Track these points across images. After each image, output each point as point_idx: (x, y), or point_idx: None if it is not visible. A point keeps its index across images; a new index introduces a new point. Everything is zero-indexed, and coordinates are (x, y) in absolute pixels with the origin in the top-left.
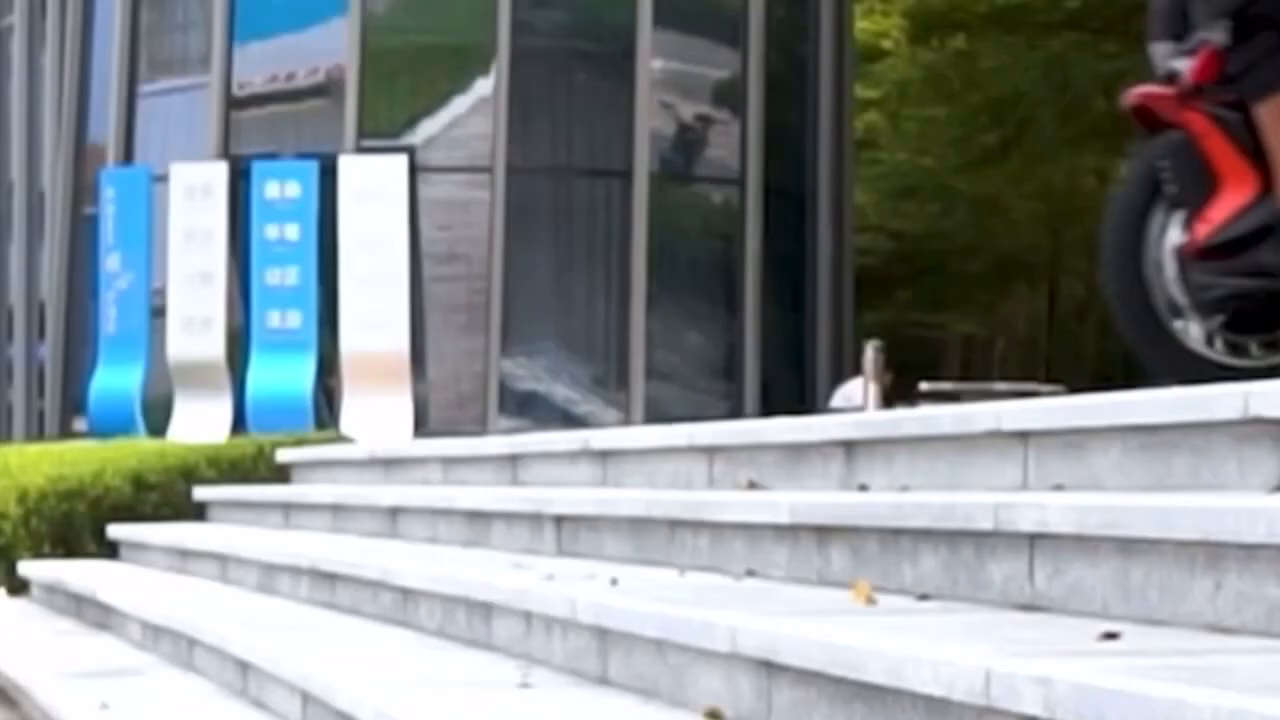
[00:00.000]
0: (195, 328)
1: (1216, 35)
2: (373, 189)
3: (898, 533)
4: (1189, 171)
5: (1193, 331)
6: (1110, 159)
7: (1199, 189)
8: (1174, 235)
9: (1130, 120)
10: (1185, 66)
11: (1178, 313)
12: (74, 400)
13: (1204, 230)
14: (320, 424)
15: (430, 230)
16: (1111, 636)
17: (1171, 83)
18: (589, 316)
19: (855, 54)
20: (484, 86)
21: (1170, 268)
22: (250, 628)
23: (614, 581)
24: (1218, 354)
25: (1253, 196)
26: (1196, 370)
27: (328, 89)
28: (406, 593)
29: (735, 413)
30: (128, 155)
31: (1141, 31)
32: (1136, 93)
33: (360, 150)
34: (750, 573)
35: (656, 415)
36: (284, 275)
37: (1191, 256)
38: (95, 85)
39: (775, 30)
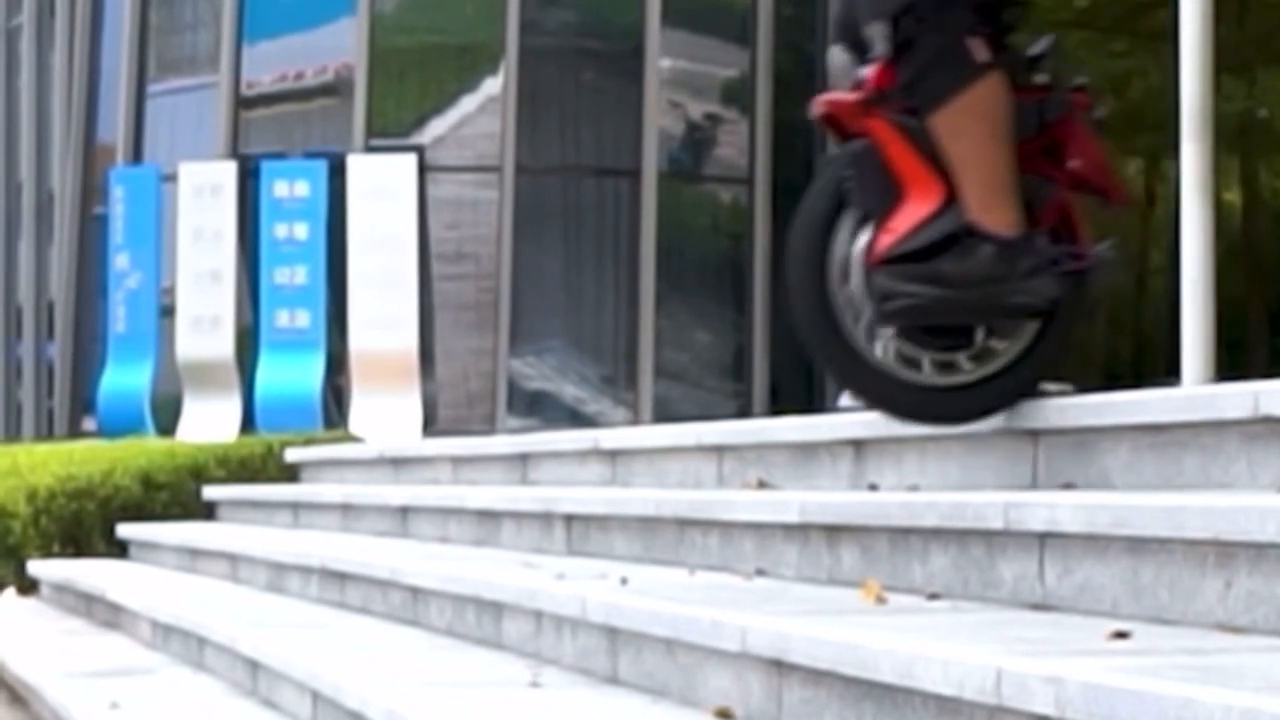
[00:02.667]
0: (204, 327)
1: (881, 45)
2: (381, 188)
3: (908, 532)
4: (873, 180)
5: (877, 346)
6: (1119, 157)
7: (883, 198)
8: (859, 246)
9: (1131, 118)
10: (866, 73)
11: (863, 327)
12: (83, 399)
13: (887, 240)
14: (329, 423)
15: (439, 229)
16: (1122, 636)
17: (858, 89)
18: (598, 315)
19: None
20: (492, 86)
21: (856, 279)
22: (260, 627)
23: (624, 581)
24: (898, 368)
25: (937, 206)
26: (883, 387)
27: (336, 88)
28: (416, 592)
29: (744, 412)
30: (137, 155)
31: (1150, 31)
32: (822, 100)
33: (369, 150)
34: (760, 572)
35: (665, 414)
36: (293, 274)
37: (875, 266)
38: (104, 85)
39: (784, 29)
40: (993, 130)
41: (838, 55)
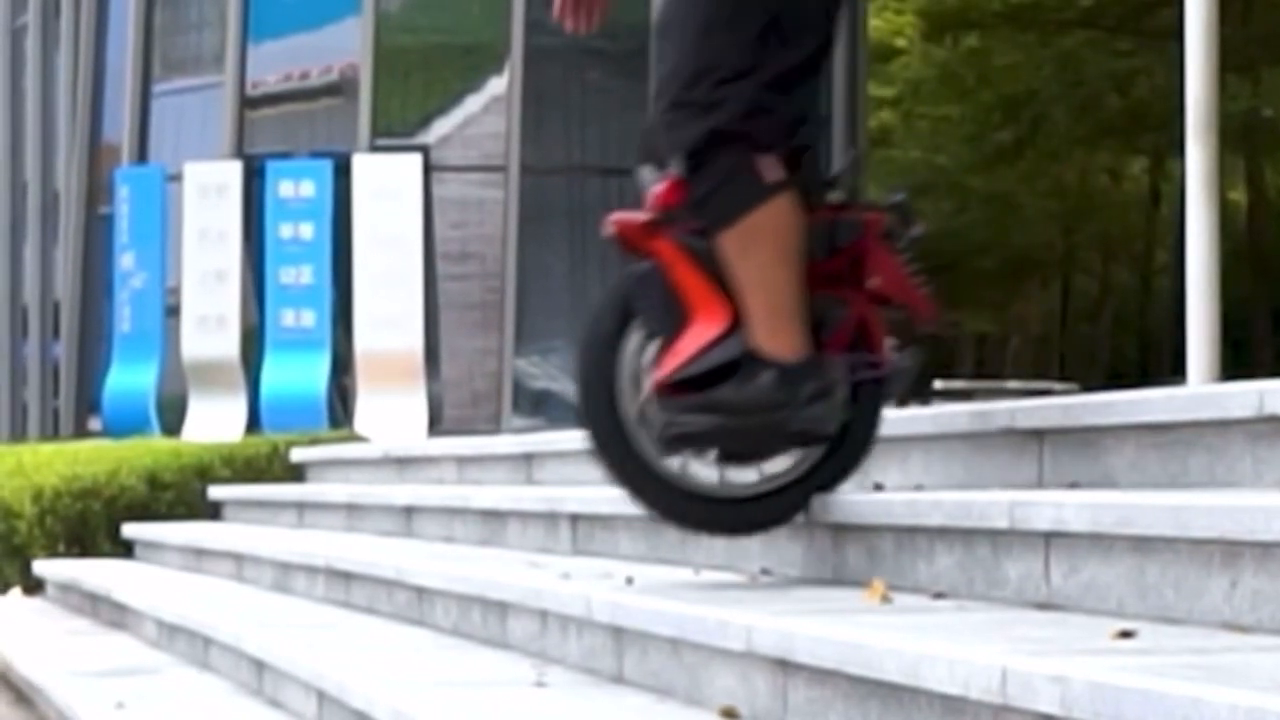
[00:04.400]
0: (209, 327)
1: (675, 162)
2: (387, 188)
3: (913, 531)
4: (658, 302)
5: (669, 465)
6: (1124, 157)
7: (669, 320)
8: (648, 359)
9: (1136, 117)
10: (655, 190)
11: (654, 445)
12: (88, 399)
13: (672, 363)
14: (335, 423)
15: (444, 229)
16: (1127, 635)
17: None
18: None
19: (868, 52)
20: (497, 85)
21: (645, 392)
22: (265, 627)
23: (629, 580)
24: (686, 481)
25: (723, 330)
26: (673, 500)
27: (341, 88)
28: (422, 592)
29: None
30: (142, 154)
31: (1155, 30)
32: (610, 219)
33: (374, 149)
34: (765, 571)
35: None
36: (298, 274)
37: (659, 390)
38: (109, 84)
39: None
40: (781, 252)
41: (646, 174)
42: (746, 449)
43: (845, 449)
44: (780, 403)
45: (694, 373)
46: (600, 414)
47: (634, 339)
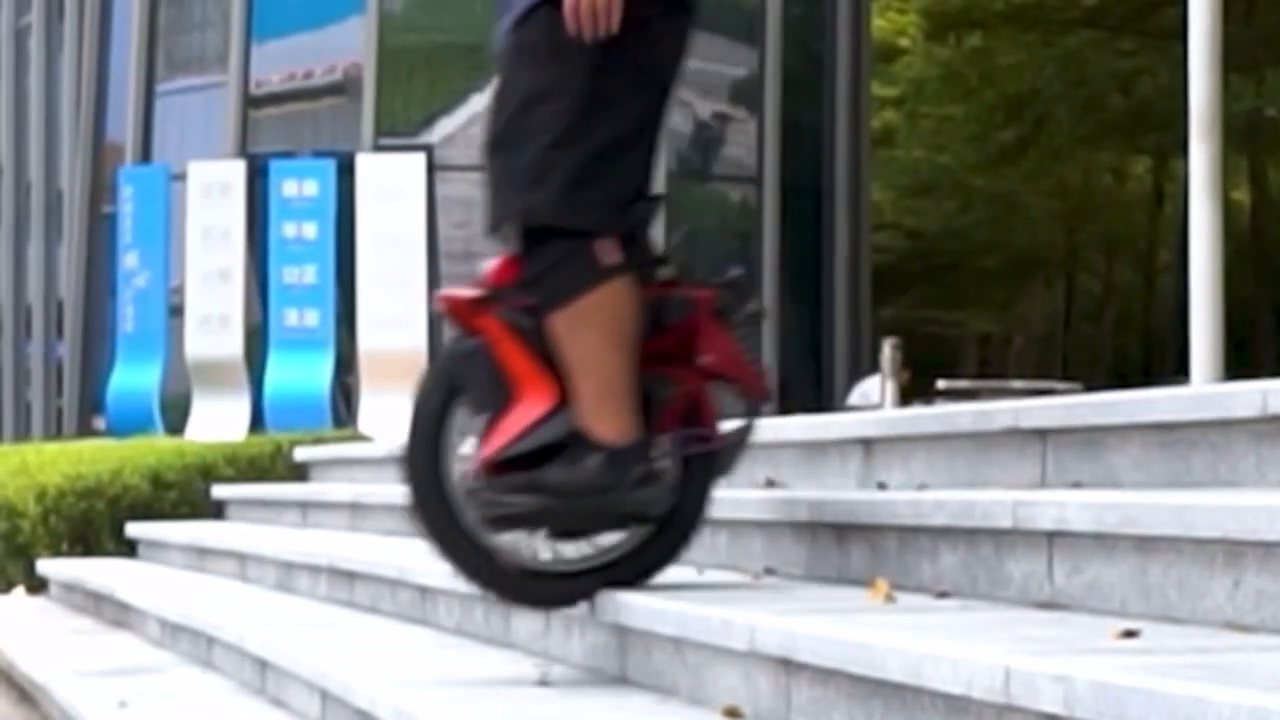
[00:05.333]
0: (213, 326)
1: (511, 239)
2: (390, 187)
3: (916, 530)
4: (484, 380)
5: (501, 545)
6: (1127, 156)
7: (494, 399)
8: (472, 444)
9: (1139, 117)
10: (487, 267)
11: (479, 523)
12: (92, 399)
13: (497, 442)
14: (338, 422)
15: (448, 228)
16: (1130, 634)
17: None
18: None
19: (872, 51)
20: None
21: (471, 477)
22: (269, 626)
23: (632, 580)
24: (510, 554)
25: (548, 409)
26: (496, 574)
27: (345, 87)
28: (425, 591)
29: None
30: (145, 154)
31: (1158, 29)
32: (439, 295)
33: (378, 149)
34: (769, 571)
35: None
36: (302, 274)
37: (484, 470)
38: (113, 84)
39: (792, 28)
40: (613, 336)
41: (498, 243)
42: (573, 529)
43: (675, 526)
44: (607, 486)
45: (519, 452)
46: (426, 491)
47: (460, 416)
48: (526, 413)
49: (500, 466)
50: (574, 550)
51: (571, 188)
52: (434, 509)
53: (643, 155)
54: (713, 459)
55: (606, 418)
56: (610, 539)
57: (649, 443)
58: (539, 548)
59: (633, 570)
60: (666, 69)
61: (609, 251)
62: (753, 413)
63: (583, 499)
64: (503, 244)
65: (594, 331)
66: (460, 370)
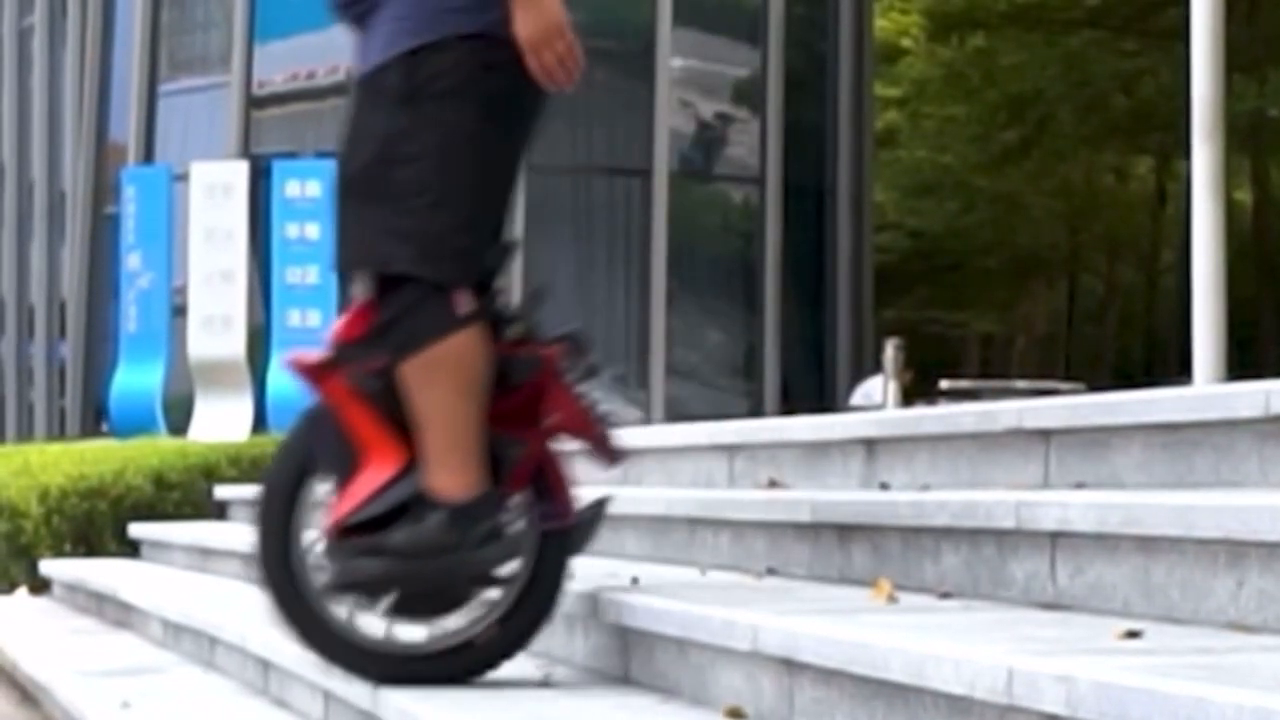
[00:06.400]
0: (216, 326)
1: (361, 288)
2: None
3: (919, 531)
4: (332, 444)
5: (350, 616)
6: (1130, 157)
7: (343, 463)
8: (323, 510)
9: (1142, 117)
10: (335, 325)
11: (326, 590)
12: (95, 399)
13: (345, 507)
14: None
15: None
16: (1133, 635)
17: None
18: (609, 315)
19: (875, 52)
20: None
21: (321, 542)
22: (272, 626)
23: (635, 580)
24: (361, 632)
25: (396, 471)
26: (344, 651)
27: (348, 88)
28: None
29: (755, 411)
30: (148, 154)
31: (1161, 30)
32: (287, 358)
33: None
34: (771, 571)
35: (677, 413)
36: (304, 274)
37: (333, 535)
38: (116, 84)
39: (795, 28)
40: (464, 387)
41: (355, 289)
42: (420, 593)
43: (528, 606)
44: (451, 544)
45: (367, 516)
46: (272, 559)
47: (313, 481)
48: (374, 476)
49: (350, 531)
50: (418, 634)
51: (427, 238)
52: (281, 580)
53: (498, 203)
54: (566, 537)
55: (451, 472)
56: (455, 622)
57: (495, 501)
58: (382, 627)
59: (483, 653)
60: (520, 116)
61: (464, 300)
62: (602, 502)
63: (427, 559)
64: (356, 284)
65: (444, 381)
66: (309, 435)
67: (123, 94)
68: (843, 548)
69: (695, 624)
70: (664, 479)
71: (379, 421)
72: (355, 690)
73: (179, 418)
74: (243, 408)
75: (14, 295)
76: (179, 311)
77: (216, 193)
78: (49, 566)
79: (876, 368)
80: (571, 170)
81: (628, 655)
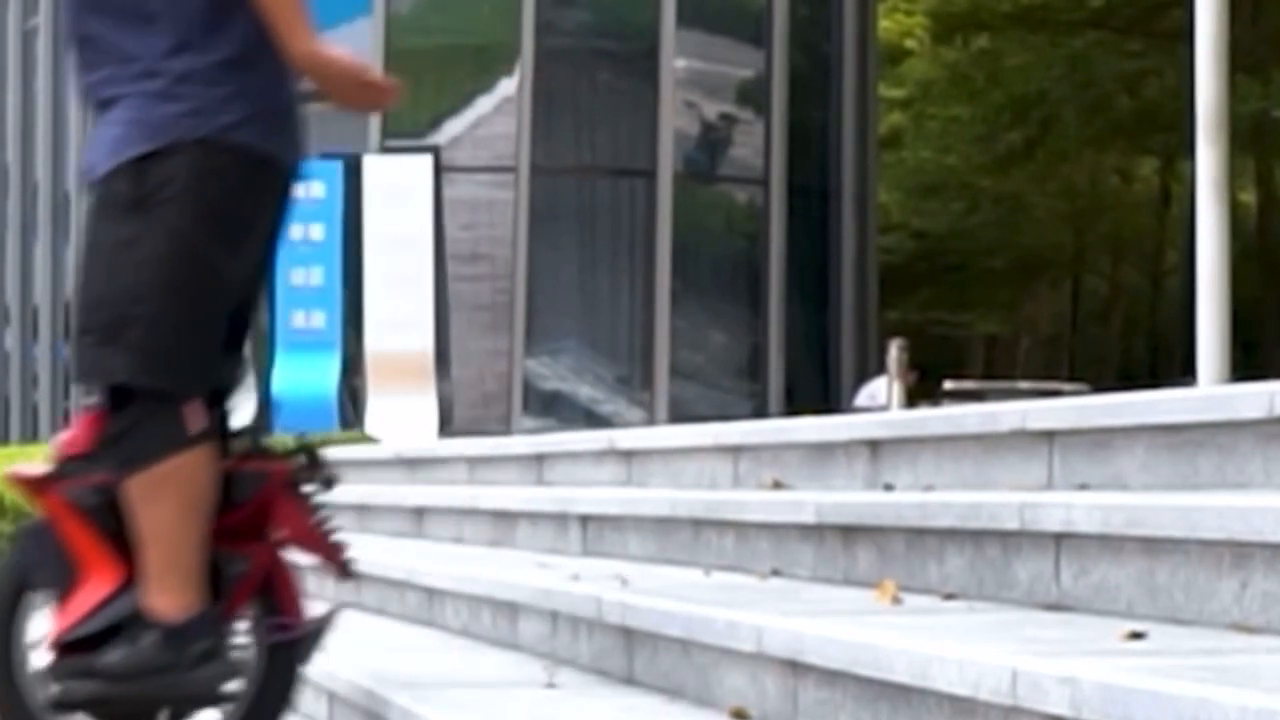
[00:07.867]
0: None
1: (97, 396)
2: (397, 189)
3: (923, 532)
4: (51, 559)
5: None
6: (1134, 157)
7: (62, 579)
8: (46, 625)
9: (1146, 118)
10: (62, 438)
11: (51, 711)
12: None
13: (64, 623)
14: (345, 424)
15: (454, 230)
16: (1137, 636)
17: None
18: (613, 316)
19: (878, 53)
20: (508, 86)
21: (43, 660)
22: None
23: (623, 581)
24: None
25: (115, 588)
26: None
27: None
28: (432, 592)
29: (759, 412)
30: None
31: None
32: (8, 472)
33: (385, 150)
34: (775, 572)
35: (681, 414)
36: (309, 275)
37: (53, 651)
38: None
39: (799, 29)
40: (188, 506)
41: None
42: (136, 715)
43: (258, 718)
44: (165, 665)
45: (84, 634)
46: None
47: (33, 596)
48: (93, 593)
49: (68, 649)
50: None
51: (148, 347)
52: (8, 692)
53: (226, 313)
54: (294, 648)
55: (168, 591)
56: None
57: (212, 620)
58: None
59: None
60: (253, 223)
61: (196, 417)
62: (332, 613)
63: (141, 681)
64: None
65: (168, 499)
66: (28, 549)
67: None
68: (847, 549)
69: (699, 625)
70: (668, 480)
71: (98, 537)
72: (360, 690)
73: None
74: (246, 409)
75: (18, 296)
76: None
77: None
78: None
79: (881, 369)
80: (576, 171)
81: (632, 656)
